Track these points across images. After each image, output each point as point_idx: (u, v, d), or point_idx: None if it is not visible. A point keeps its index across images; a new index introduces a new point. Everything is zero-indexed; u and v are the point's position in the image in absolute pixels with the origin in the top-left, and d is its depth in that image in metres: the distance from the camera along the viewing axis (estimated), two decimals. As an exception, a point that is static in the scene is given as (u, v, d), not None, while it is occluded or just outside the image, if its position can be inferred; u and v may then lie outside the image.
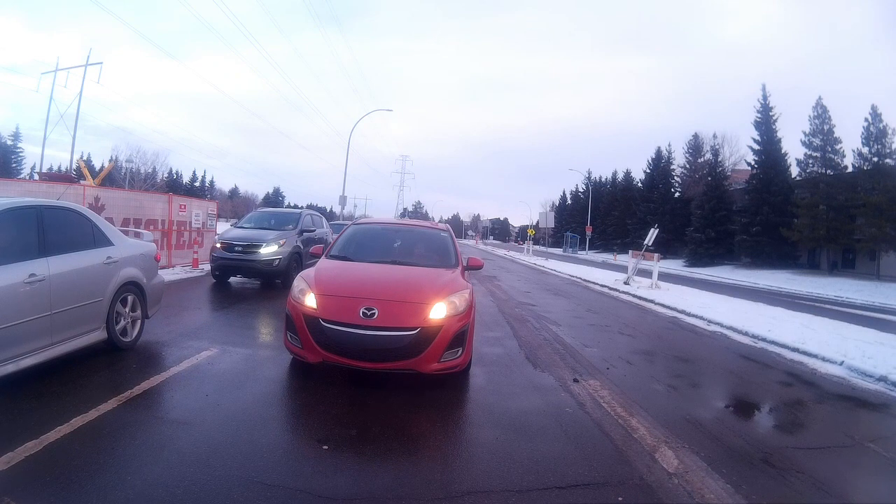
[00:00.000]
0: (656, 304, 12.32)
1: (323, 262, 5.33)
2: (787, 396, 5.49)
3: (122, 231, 5.70)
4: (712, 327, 9.53)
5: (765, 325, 9.33)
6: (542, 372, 5.46)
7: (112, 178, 46.02)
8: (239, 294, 9.57)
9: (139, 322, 5.35)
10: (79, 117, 30.95)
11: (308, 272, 4.95)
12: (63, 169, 57.80)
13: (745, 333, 8.86)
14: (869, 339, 8.77)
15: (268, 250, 9.90)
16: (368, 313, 4.19)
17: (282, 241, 10.14)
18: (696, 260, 41.79)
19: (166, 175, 62.72)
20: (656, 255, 15.37)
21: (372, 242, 6.10)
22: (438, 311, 4.35)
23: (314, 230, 11.84)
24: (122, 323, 5.08)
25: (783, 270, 33.53)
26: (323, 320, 4.21)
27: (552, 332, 7.77)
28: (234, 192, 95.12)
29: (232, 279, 10.75)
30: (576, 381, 5.10)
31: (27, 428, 3.10)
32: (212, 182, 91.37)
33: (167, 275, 10.27)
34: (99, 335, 4.75)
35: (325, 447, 3.25)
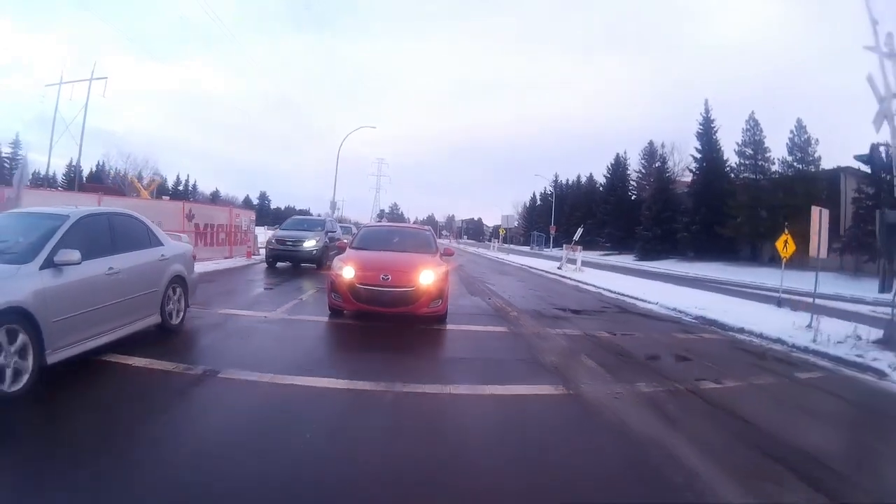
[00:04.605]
0: (572, 279, 17.68)
1: (350, 251, 7.93)
2: (603, 309, 10.80)
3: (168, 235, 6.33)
4: (596, 289, 14.76)
5: (631, 288, 14.54)
6: (474, 297, 10.96)
7: (102, 181, 49.25)
8: (286, 272, 14.39)
9: (183, 308, 6.09)
10: (84, 128, 32.13)
11: (343, 256, 7.50)
12: (58, 175, 60.61)
13: (613, 291, 14.04)
14: (706, 299, 13.07)
15: (309, 244, 14.95)
16: (385, 278, 6.70)
17: (317, 238, 15.25)
18: (644, 255, 46.80)
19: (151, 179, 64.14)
20: (579, 247, 21.24)
21: (380, 238, 8.97)
22: (426, 277, 6.85)
23: (334, 231, 17.12)
24: (171, 308, 5.80)
25: (719, 262, 37.82)
26: (358, 283, 6.77)
27: (488, 288, 13.20)
28: (215, 195, 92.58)
29: (279, 265, 15.66)
30: (489, 300, 10.53)
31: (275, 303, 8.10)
32: (194, 185, 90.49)
33: (231, 263, 15.45)
34: (155, 319, 5.43)
35: (363, 349, 6.23)
